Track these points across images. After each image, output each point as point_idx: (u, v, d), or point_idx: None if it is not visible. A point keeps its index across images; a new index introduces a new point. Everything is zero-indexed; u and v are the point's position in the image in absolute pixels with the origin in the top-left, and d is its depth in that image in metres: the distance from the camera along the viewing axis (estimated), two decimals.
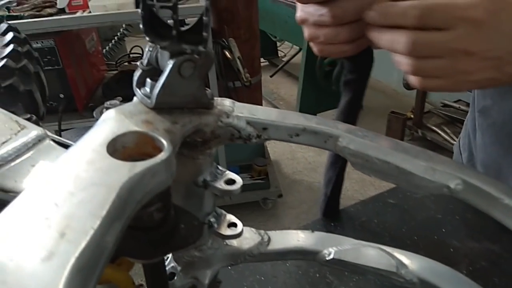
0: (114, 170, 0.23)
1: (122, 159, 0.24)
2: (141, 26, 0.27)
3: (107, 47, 2.33)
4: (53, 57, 1.66)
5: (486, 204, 0.32)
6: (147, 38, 0.28)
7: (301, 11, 0.49)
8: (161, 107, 0.30)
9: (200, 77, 0.31)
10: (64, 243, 0.18)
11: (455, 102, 2.73)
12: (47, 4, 1.72)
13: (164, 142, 0.26)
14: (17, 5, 1.73)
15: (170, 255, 0.45)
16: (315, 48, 0.50)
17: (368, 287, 0.54)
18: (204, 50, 0.29)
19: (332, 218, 0.66)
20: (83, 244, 0.19)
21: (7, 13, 1.64)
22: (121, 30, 2.32)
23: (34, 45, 1.60)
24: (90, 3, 1.61)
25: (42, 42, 1.63)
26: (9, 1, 1.80)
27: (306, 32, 0.50)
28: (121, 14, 1.56)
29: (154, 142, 0.27)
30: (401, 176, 0.34)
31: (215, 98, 0.36)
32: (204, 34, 0.27)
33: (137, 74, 0.32)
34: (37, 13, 1.64)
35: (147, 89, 0.31)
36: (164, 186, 0.25)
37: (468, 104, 2.58)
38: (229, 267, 0.58)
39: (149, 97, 0.30)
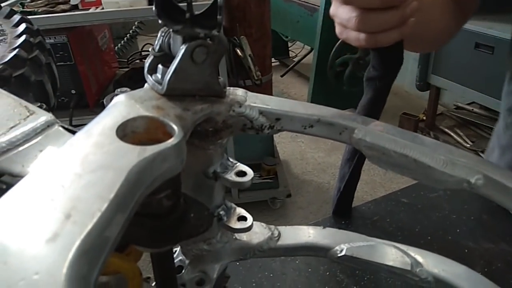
0: (123, 153, 0.22)
1: (132, 144, 0.23)
2: (154, 8, 0.26)
3: (119, 45, 2.34)
4: (65, 53, 1.67)
5: (508, 199, 0.31)
6: (160, 21, 0.27)
7: None
8: (173, 93, 0.29)
9: (213, 64, 0.30)
10: (70, 224, 0.18)
11: (468, 104, 2.69)
12: (60, 1, 1.73)
13: (175, 127, 0.25)
14: (31, 1, 1.74)
15: (178, 248, 0.44)
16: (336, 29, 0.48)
17: (380, 286, 0.53)
18: (217, 34, 0.28)
19: (343, 215, 0.65)
20: (89, 226, 0.18)
21: (21, 9, 1.65)
22: (133, 28, 2.33)
23: (47, 41, 1.61)
24: (103, 0, 1.61)
25: (55, 37, 1.64)
26: None
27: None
28: (134, 10, 1.57)
29: (164, 128, 0.26)
30: (419, 170, 0.33)
31: (228, 88, 0.35)
32: (219, 17, 0.26)
33: (148, 60, 0.31)
34: (51, 9, 1.66)
35: (159, 75, 0.30)
36: (174, 172, 0.24)
37: (481, 107, 2.54)
38: (238, 263, 0.57)
39: (160, 83, 0.29)
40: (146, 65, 0.31)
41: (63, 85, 1.74)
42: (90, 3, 1.67)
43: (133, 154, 0.22)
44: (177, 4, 0.28)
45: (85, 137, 0.23)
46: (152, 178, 0.23)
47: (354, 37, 0.45)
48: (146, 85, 0.31)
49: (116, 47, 2.32)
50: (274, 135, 2.31)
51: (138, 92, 0.29)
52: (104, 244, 0.18)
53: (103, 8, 1.61)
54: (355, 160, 0.59)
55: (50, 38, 1.62)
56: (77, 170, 0.21)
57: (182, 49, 0.28)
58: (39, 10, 1.63)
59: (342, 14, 0.44)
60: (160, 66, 0.30)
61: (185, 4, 0.26)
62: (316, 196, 2.30)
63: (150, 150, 0.22)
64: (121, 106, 0.26)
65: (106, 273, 0.37)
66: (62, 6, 1.68)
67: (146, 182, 0.22)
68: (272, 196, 2.15)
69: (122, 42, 2.34)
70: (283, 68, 3.74)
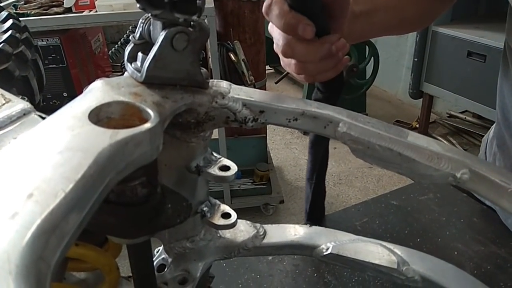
0: (93, 136, 0.21)
1: None
2: None
3: (113, 49, 2.33)
4: (58, 55, 1.67)
5: (494, 193, 0.30)
6: (138, 5, 0.26)
7: None
8: (152, 81, 0.29)
9: (194, 52, 0.29)
10: (31, 203, 0.17)
11: (461, 112, 2.71)
12: (54, 3, 1.73)
13: (151, 112, 0.24)
14: (24, 4, 1.73)
15: (161, 247, 0.43)
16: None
17: (368, 287, 0.52)
18: (198, 20, 0.27)
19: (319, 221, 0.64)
20: (51, 207, 0.17)
21: (14, 11, 1.64)
22: (127, 32, 2.32)
23: (40, 43, 1.60)
24: (96, 3, 1.61)
25: (48, 40, 1.63)
26: (17, 0, 1.81)
27: None
28: (127, 14, 1.57)
29: (141, 114, 0.25)
30: (404, 164, 0.32)
31: (212, 80, 0.34)
32: (198, 1, 0.26)
33: (128, 48, 0.31)
34: (44, 11, 1.65)
35: (138, 63, 0.30)
36: (148, 158, 0.24)
37: (474, 115, 2.56)
38: (224, 263, 0.56)
39: (139, 71, 0.29)
40: (126, 53, 0.30)
41: (55, 87, 1.73)
42: (84, 6, 1.67)
43: (105, 137, 0.21)
44: None
45: (56, 120, 0.23)
46: (125, 163, 0.22)
47: (295, 75, 0.46)
48: (125, 73, 0.30)
49: (110, 51, 2.31)
50: (268, 141, 2.30)
51: (116, 79, 0.28)
52: (67, 226, 0.18)
53: (96, 11, 1.61)
54: (316, 152, 0.58)
55: (42, 40, 1.62)
56: (43, 151, 0.20)
57: (162, 35, 0.27)
58: (32, 12, 1.62)
59: (282, 59, 0.45)
60: (140, 53, 0.30)
61: None
62: None
63: (123, 133, 0.22)
64: (96, 91, 0.25)
65: (84, 269, 0.36)
66: (55, 9, 1.67)
67: (118, 166, 0.21)
68: (265, 202, 2.14)
69: (116, 46, 2.33)
70: (277, 75, 3.75)
